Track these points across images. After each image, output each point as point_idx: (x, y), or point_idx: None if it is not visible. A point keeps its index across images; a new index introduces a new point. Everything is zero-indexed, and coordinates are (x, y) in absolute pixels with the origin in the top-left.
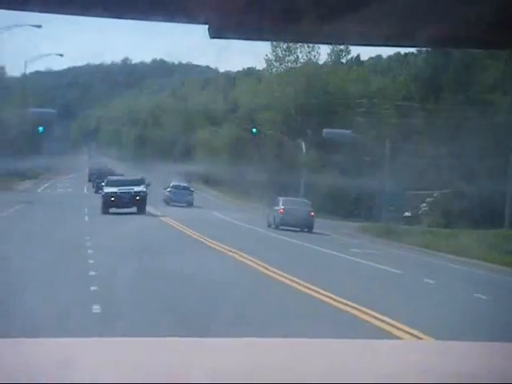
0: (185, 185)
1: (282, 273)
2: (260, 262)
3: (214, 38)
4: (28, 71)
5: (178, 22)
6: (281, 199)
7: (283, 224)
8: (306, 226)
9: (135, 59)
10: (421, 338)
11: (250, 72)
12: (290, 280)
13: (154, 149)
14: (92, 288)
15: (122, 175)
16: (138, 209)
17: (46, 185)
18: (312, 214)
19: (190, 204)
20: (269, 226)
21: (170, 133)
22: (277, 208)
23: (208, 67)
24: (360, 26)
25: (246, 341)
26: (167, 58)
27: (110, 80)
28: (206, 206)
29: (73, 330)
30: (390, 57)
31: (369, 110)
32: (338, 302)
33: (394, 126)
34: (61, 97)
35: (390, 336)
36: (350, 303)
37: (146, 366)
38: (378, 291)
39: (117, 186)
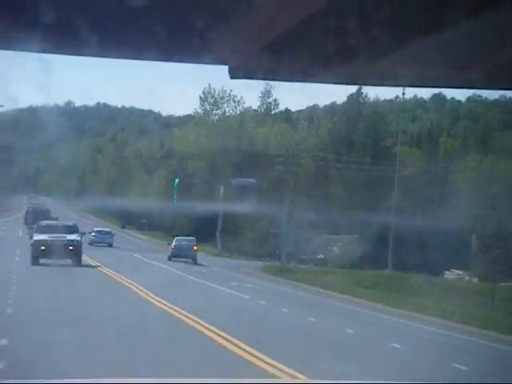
0: (107, 230)
1: (144, 290)
2: (133, 283)
3: (233, 78)
4: None
5: (200, 63)
6: (175, 238)
7: (174, 256)
8: (191, 258)
9: (78, 102)
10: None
11: (188, 119)
12: (143, 292)
13: (92, 193)
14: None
15: (57, 218)
16: (72, 260)
17: None
18: (195, 248)
19: (110, 244)
20: (168, 259)
21: (107, 177)
22: (171, 244)
23: (151, 111)
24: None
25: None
26: (110, 102)
27: (52, 123)
28: (131, 248)
29: None
30: (325, 106)
31: (286, 160)
32: (174, 310)
33: (308, 176)
34: (2, 140)
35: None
36: (182, 311)
37: None
38: (209, 305)
39: (48, 233)
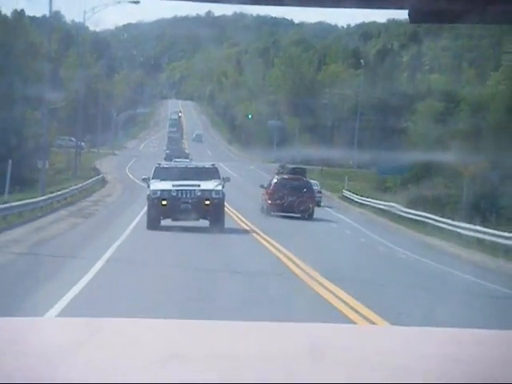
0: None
1: None
2: None
3: (414, 22)
4: (121, 23)
5: (380, 8)
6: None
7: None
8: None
9: (217, 12)
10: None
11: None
12: None
13: (221, 99)
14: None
15: (188, 157)
16: (210, 221)
17: (143, 144)
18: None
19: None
20: None
21: (235, 87)
22: None
23: (284, 19)
24: None
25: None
26: (246, 11)
27: (194, 33)
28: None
29: None
30: None
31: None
32: None
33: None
34: (148, 50)
35: None
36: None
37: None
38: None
39: (172, 180)
